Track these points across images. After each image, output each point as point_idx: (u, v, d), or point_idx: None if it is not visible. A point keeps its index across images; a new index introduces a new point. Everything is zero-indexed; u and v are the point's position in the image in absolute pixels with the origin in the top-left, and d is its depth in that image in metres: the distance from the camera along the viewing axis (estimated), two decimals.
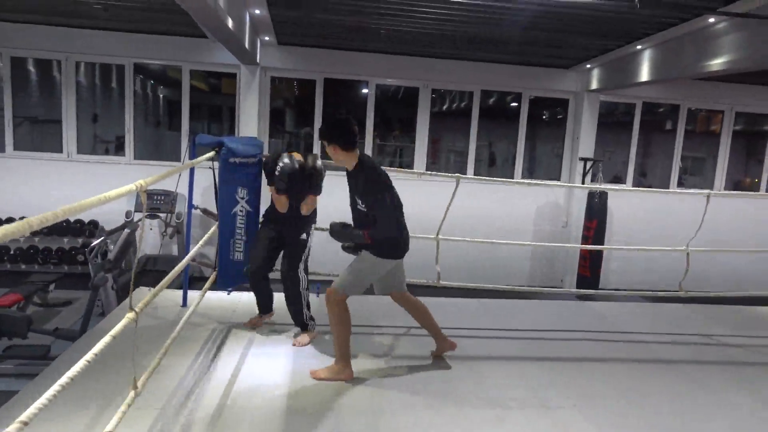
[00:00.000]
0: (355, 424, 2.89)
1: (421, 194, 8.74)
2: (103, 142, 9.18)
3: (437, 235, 4.84)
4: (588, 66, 8.78)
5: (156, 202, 7.52)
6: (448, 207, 4.74)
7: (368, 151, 9.14)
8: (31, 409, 1.67)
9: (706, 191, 5.20)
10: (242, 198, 4.01)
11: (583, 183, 9.00)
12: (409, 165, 9.45)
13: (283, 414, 2.92)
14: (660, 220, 8.99)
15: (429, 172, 5.49)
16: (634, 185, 9.71)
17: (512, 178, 9.39)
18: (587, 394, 3.42)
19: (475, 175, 9.35)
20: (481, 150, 9.82)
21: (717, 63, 6.21)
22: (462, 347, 4.08)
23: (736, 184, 10.27)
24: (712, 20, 5.96)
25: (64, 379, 1.83)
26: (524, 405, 3.22)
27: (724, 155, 9.87)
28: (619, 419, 3.14)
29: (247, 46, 6.94)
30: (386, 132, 9.97)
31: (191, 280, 5.55)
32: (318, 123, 8.96)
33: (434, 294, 5.18)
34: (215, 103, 9.84)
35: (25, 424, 1.62)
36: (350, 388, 3.28)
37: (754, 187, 10.11)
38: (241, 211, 4.03)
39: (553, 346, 4.24)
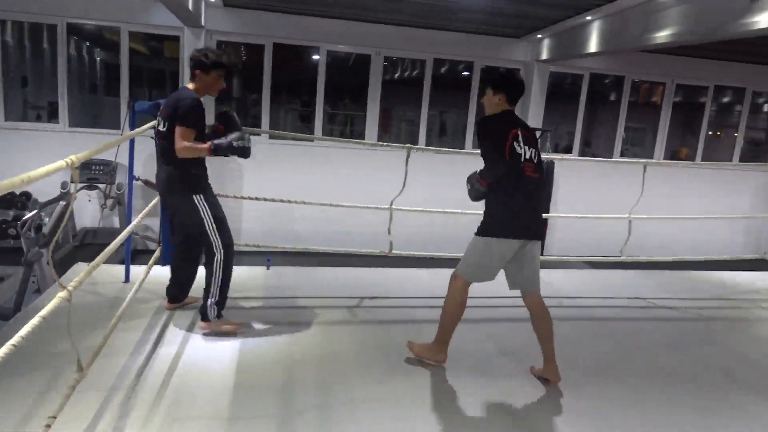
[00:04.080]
0: (307, 399, 2.87)
1: (373, 164, 8.71)
2: (34, 108, 8.61)
3: (391, 205, 4.82)
4: (539, 36, 8.82)
5: (94, 172, 7.16)
6: (405, 178, 4.71)
7: (317, 119, 8.97)
8: None
9: (644, 160, 5.38)
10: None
11: None
12: (361, 134, 9.34)
13: (232, 391, 2.88)
14: (604, 190, 9.26)
15: (380, 143, 5.43)
16: (579, 155, 9.96)
17: (463, 148, 9.44)
18: (528, 360, 3.52)
19: (426, 145, 9.34)
20: (433, 119, 9.80)
21: (662, 36, 6.35)
22: (416, 316, 4.13)
23: (673, 154, 10.71)
24: None
25: None
26: (474, 374, 3.29)
27: (665, 126, 10.23)
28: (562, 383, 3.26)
29: (190, 7, 6.60)
30: (337, 100, 9.79)
31: (136, 255, 5.36)
32: (267, 89, 8.69)
33: (387, 264, 5.21)
34: (157, 68, 9.36)
35: None
36: (302, 362, 3.25)
37: (690, 158, 10.56)
38: None
39: (500, 312, 4.34)
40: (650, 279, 5.58)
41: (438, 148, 9.06)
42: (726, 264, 6.08)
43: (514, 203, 3.07)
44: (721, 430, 2.88)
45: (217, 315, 3.44)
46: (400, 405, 2.87)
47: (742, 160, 10.57)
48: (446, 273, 5.26)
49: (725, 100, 10.85)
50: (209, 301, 3.40)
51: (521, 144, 3.06)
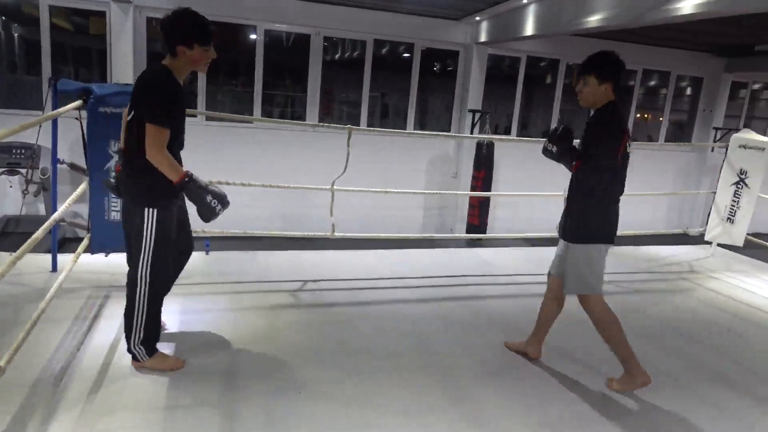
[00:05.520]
0: (252, 384, 2.82)
1: (314, 146, 8.60)
2: None
3: (332, 186, 4.78)
4: (477, 18, 8.91)
5: (15, 156, 6.69)
6: (347, 159, 4.68)
7: (256, 100, 8.74)
8: None
9: (578, 140, 5.58)
10: (117, 152, 3.66)
11: (471, 134, 9.29)
12: (301, 116, 9.19)
13: (171, 380, 2.79)
14: (541, 169, 9.53)
15: (321, 124, 5.38)
16: (517, 136, 10.21)
17: (404, 129, 9.47)
18: (472, 337, 3.61)
19: (368, 127, 9.30)
20: (374, 101, 9.76)
21: (593, 20, 6.55)
22: (360, 297, 4.14)
23: None
24: None
25: None
26: (418, 353, 3.33)
27: None
28: (499, 357, 3.35)
29: None
30: (277, 81, 9.58)
31: (64, 243, 5.09)
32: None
33: (330, 246, 5.17)
34: (83, 45, 8.82)
35: None
36: (246, 347, 3.19)
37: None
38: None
39: (444, 292, 4.42)
40: None
41: (380, 129, 9.07)
42: (652, 239, 6.43)
43: (616, 207, 2.97)
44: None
45: (148, 353, 2.83)
46: (347, 386, 2.87)
47: (666, 140, 11.16)
48: (390, 254, 5.34)
49: (652, 83, 11.38)
50: (132, 341, 2.79)
51: (630, 144, 2.91)
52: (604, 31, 7.97)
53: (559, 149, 3.00)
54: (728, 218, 5.73)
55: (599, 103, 2.91)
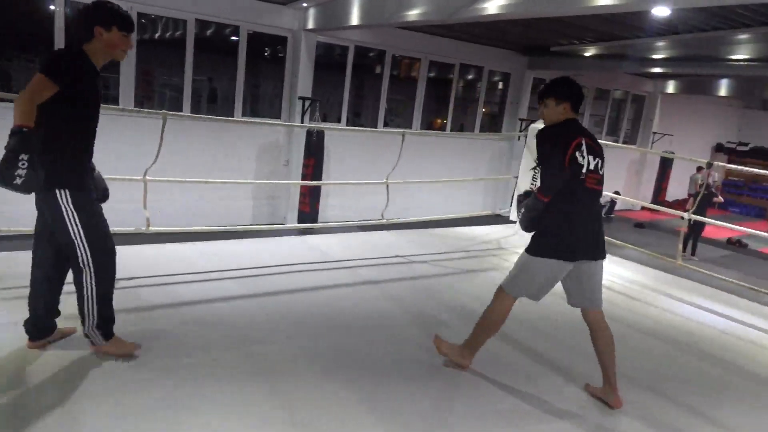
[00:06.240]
0: (40, 399, 2.52)
1: (129, 133, 7.90)
2: None
3: (144, 175, 4.42)
4: (304, 5, 8.87)
5: None
6: (159, 147, 4.37)
7: None
8: None
9: (402, 130, 5.89)
10: None
11: (302, 122, 9.28)
12: (115, 98, 8.37)
13: None
14: (370, 158, 9.89)
15: (134, 109, 4.94)
16: (348, 125, 10.42)
17: (233, 116, 9.13)
18: (299, 323, 3.62)
19: (192, 112, 8.79)
20: (201, 86, 9.26)
21: (413, 14, 6.91)
22: (181, 294, 3.91)
23: (429, 124, 11.89)
24: None
25: None
26: (238, 348, 3.23)
27: (420, 99, 11.26)
28: (326, 343, 3.41)
29: None
30: None
31: None
32: None
33: (145, 241, 4.80)
34: None
35: None
36: (35, 359, 2.83)
37: (443, 128, 11.87)
38: None
39: (272, 282, 4.36)
40: (407, 237, 6.16)
41: (198, 115, 8.63)
42: (468, 220, 7.02)
43: (571, 220, 2.89)
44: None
45: (105, 337, 2.88)
46: (156, 389, 2.69)
47: (481, 130, 12.25)
48: (215, 246, 5.10)
49: (469, 77, 12.39)
50: (87, 326, 2.83)
51: (584, 153, 2.88)
52: (426, 25, 8.47)
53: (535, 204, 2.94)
54: None
55: (559, 121, 3.01)
